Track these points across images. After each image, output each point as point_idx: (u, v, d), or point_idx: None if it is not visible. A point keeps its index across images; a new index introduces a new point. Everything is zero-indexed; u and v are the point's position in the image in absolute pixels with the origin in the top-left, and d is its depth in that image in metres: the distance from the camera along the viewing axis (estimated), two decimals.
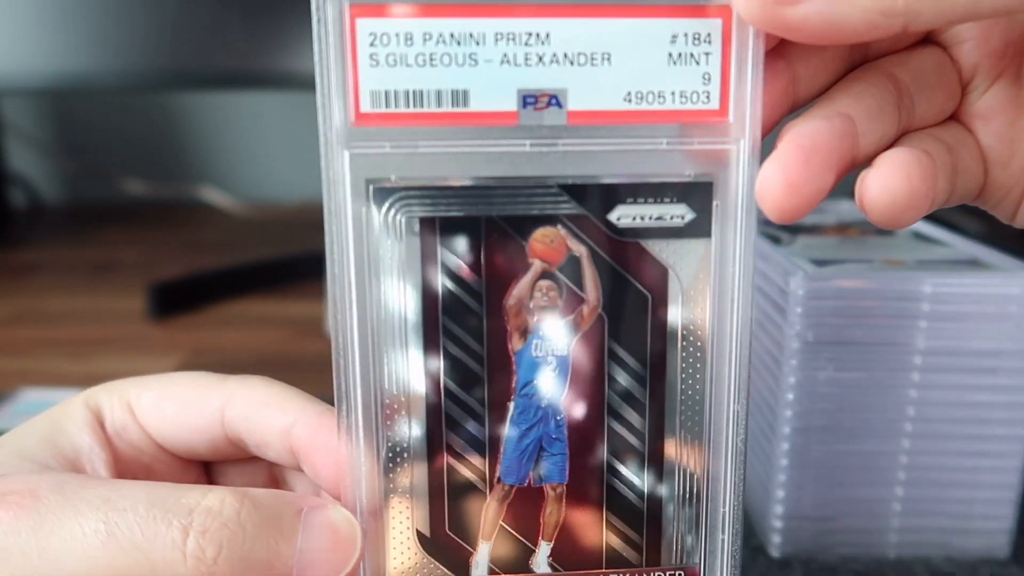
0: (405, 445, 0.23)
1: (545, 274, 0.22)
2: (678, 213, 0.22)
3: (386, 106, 0.21)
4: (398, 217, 0.22)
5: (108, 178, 1.07)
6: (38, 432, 0.25)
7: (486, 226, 0.22)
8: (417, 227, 0.22)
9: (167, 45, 0.66)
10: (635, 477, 0.24)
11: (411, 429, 0.23)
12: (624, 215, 0.22)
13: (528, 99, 0.21)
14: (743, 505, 0.24)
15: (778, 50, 0.22)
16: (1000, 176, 0.24)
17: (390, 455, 0.23)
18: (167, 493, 0.21)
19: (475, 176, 0.21)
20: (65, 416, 0.25)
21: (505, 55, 0.21)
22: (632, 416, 0.23)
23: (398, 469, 0.23)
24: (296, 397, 0.25)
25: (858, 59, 0.24)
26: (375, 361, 0.22)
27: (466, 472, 0.23)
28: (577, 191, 0.22)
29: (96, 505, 0.20)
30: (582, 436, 0.23)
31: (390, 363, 0.22)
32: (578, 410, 0.23)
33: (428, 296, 0.22)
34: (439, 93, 0.21)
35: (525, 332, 0.23)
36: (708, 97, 0.21)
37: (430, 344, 0.22)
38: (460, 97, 0.21)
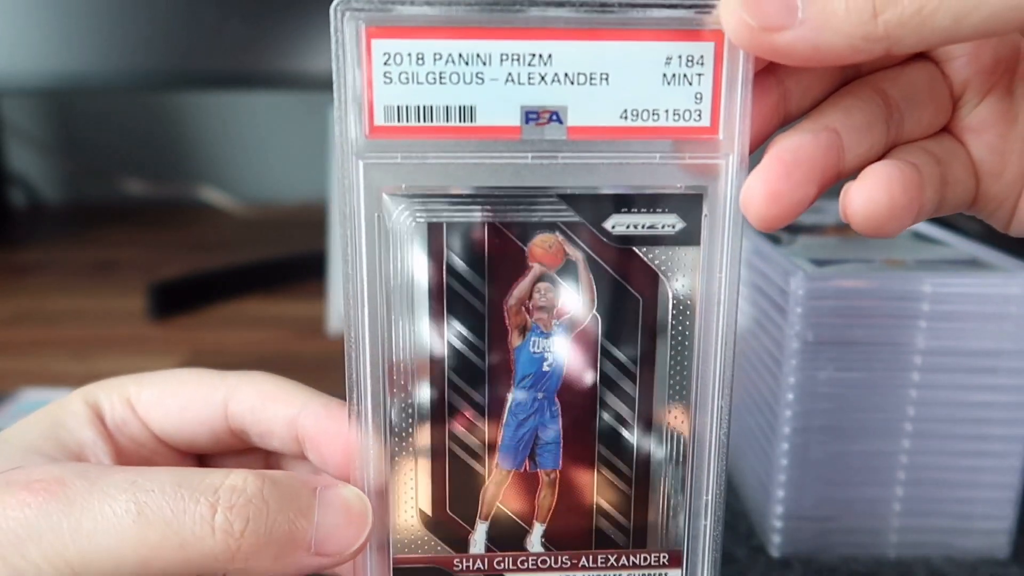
0: (411, 431, 0.24)
1: (543, 276, 0.24)
2: (669, 222, 0.23)
3: (398, 120, 0.22)
4: (408, 222, 0.23)
5: (108, 178, 1.05)
6: (40, 427, 0.25)
7: (489, 231, 0.23)
8: (425, 232, 0.23)
9: (167, 45, 0.64)
10: (624, 465, 0.25)
11: (416, 416, 0.24)
12: (619, 223, 0.23)
13: (530, 115, 0.22)
14: (725, 495, 0.25)
15: (770, 68, 0.23)
16: (992, 187, 0.24)
17: (396, 439, 0.24)
18: (191, 474, 0.22)
19: (480, 185, 0.23)
20: (65, 412, 0.26)
21: (509, 74, 0.22)
22: (623, 408, 0.25)
23: (403, 453, 0.24)
24: (299, 389, 0.26)
25: (850, 74, 0.24)
26: (384, 356, 0.24)
27: (466, 457, 0.25)
28: (575, 200, 0.23)
29: (123, 487, 0.21)
30: (575, 426, 0.25)
31: (398, 357, 0.24)
32: (572, 402, 0.25)
33: (435, 296, 0.23)
34: (447, 108, 0.22)
35: (524, 330, 0.24)
36: (700, 115, 0.22)
37: (436, 340, 0.24)
38: (467, 112, 0.22)
